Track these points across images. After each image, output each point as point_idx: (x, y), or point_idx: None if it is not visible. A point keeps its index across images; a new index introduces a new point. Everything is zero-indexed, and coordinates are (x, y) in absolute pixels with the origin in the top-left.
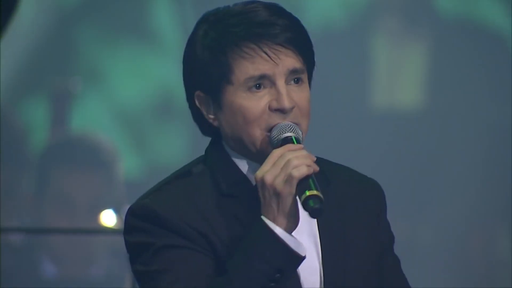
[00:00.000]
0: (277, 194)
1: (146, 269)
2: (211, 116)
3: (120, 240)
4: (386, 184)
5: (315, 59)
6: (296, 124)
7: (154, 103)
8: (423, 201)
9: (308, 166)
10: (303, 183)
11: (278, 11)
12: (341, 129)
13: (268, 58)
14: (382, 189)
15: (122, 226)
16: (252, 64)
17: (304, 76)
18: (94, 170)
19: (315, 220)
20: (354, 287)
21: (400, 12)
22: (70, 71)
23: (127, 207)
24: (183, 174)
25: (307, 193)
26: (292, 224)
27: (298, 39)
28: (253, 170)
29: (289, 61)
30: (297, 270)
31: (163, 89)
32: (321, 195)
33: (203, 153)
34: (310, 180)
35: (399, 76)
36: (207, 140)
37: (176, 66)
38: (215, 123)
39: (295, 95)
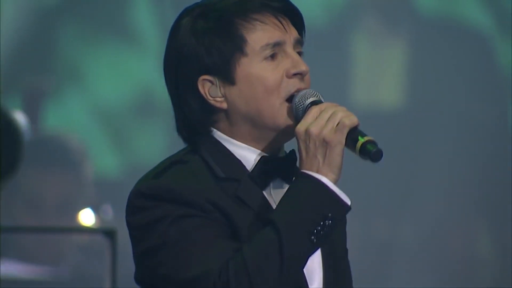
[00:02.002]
0: (326, 144)
1: (163, 241)
2: (219, 99)
3: (91, 239)
4: (367, 183)
5: None
6: None
7: (133, 102)
8: (403, 201)
9: (355, 116)
10: (352, 133)
11: None
12: None
13: (280, 25)
14: None
15: (99, 225)
16: (264, 32)
17: (302, 51)
18: (63, 170)
19: None
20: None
21: (380, 11)
22: (50, 70)
23: (107, 206)
24: (178, 161)
25: (362, 139)
26: (336, 175)
27: (296, 13)
28: (247, 154)
29: (293, 30)
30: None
31: (143, 87)
32: (376, 141)
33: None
34: (359, 130)
35: (380, 75)
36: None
37: (155, 65)
38: (223, 105)
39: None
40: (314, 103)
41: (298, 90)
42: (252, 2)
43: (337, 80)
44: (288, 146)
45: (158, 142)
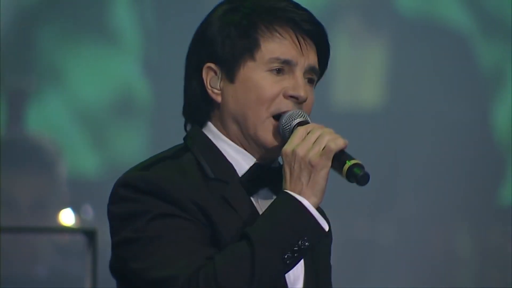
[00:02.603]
0: (311, 167)
1: (138, 236)
2: (216, 91)
3: (71, 239)
4: (347, 183)
5: None
6: None
7: (113, 102)
8: (383, 200)
9: (343, 140)
10: (338, 156)
11: (306, 9)
12: None
13: (298, 45)
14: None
15: (80, 225)
16: (280, 46)
17: (315, 80)
18: (36, 171)
19: None
20: None
21: (361, 12)
22: (30, 70)
23: (87, 206)
24: (169, 156)
25: (349, 162)
26: (318, 199)
27: (322, 36)
28: (240, 159)
29: (312, 57)
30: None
31: (122, 88)
32: (363, 164)
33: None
34: (346, 153)
35: (361, 75)
36: (167, 138)
37: (135, 65)
38: (218, 98)
39: (307, 90)
40: (301, 124)
41: (286, 111)
42: (284, 13)
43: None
44: None
45: (138, 142)
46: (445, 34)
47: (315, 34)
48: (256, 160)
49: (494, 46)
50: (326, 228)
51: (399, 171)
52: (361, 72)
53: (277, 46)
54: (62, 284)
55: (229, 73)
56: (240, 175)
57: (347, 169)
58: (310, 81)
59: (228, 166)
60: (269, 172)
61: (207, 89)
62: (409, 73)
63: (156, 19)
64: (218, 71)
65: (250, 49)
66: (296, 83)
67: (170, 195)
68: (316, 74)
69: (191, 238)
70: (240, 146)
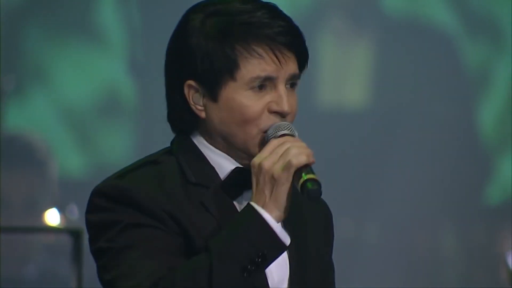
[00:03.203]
0: (274, 180)
1: (110, 245)
2: (199, 107)
3: (56, 239)
4: (332, 182)
5: None
6: None
7: (98, 102)
8: (369, 199)
9: (307, 155)
10: (300, 172)
11: (279, 14)
12: None
13: (276, 61)
14: (330, 211)
15: (65, 225)
16: (259, 64)
17: (297, 82)
18: (28, 170)
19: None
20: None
21: (346, 11)
22: (15, 69)
23: (72, 206)
24: (150, 162)
25: (305, 176)
26: (281, 213)
27: (300, 44)
28: (222, 163)
29: (292, 66)
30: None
31: (108, 87)
32: (319, 180)
33: (149, 151)
34: (308, 168)
35: (346, 75)
36: (152, 139)
37: (121, 64)
38: (202, 114)
39: (290, 100)
40: (285, 136)
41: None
42: (260, 29)
43: (302, 80)
44: None
45: (123, 142)
46: (430, 34)
47: (293, 45)
48: (240, 164)
49: (479, 46)
50: (287, 242)
51: (384, 170)
52: (346, 72)
53: (256, 64)
54: (49, 284)
55: (211, 93)
56: (223, 179)
57: (301, 183)
58: (293, 85)
59: (211, 170)
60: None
61: (190, 105)
62: (394, 73)
63: (142, 19)
64: (199, 89)
65: (229, 70)
66: (279, 97)
67: (142, 204)
68: (298, 78)
69: (159, 248)
70: (225, 153)
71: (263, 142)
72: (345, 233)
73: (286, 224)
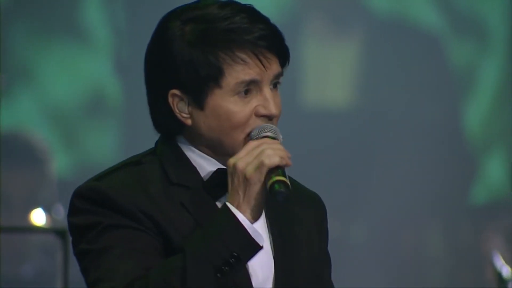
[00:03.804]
0: (246, 181)
1: (91, 247)
2: (185, 115)
3: (42, 239)
4: (317, 182)
5: None
6: None
7: (84, 101)
8: (354, 200)
9: (281, 157)
10: (270, 172)
11: (258, 16)
12: None
13: (260, 65)
14: (324, 206)
15: (53, 225)
16: (243, 69)
17: (280, 79)
18: (30, 168)
19: (264, 221)
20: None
21: (331, 11)
22: (0, 69)
23: (58, 206)
24: (133, 162)
25: (274, 178)
26: (254, 213)
27: (280, 44)
28: (205, 164)
29: (275, 67)
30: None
31: (94, 87)
32: (288, 182)
33: (135, 151)
34: (280, 170)
35: (330, 75)
36: (137, 139)
37: (107, 64)
38: (188, 121)
39: (276, 101)
40: (268, 138)
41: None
42: (240, 36)
43: (286, 80)
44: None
45: (109, 142)
46: (416, 34)
47: (274, 46)
48: (223, 165)
49: (465, 46)
50: (261, 243)
51: (370, 170)
52: (331, 72)
53: (240, 69)
54: (35, 284)
55: (197, 100)
56: (205, 180)
57: (270, 184)
58: (276, 85)
59: (193, 171)
60: None
61: (175, 113)
62: (379, 73)
63: (127, 18)
64: (184, 98)
65: (214, 78)
66: (266, 100)
67: (120, 205)
68: (281, 76)
69: (138, 249)
70: (208, 155)
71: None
72: (331, 234)
73: (272, 224)
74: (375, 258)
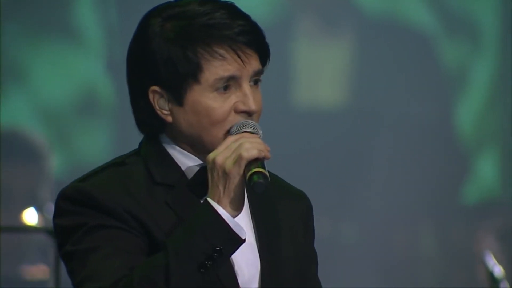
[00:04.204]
0: (225, 175)
1: (76, 249)
2: (165, 112)
3: (34, 238)
4: (309, 182)
5: None
6: None
7: (76, 101)
8: (346, 200)
9: (260, 150)
10: (249, 165)
11: (238, 12)
12: (262, 126)
13: (239, 60)
14: (310, 203)
15: (43, 224)
16: (222, 65)
17: (260, 78)
18: (24, 167)
19: (249, 218)
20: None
21: (322, 10)
22: None
23: (50, 205)
24: (117, 163)
25: (253, 169)
26: (236, 207)
27: (260, 41)
28: (189, 162)
29: (254, 63)
30: (232, 261)
31: (85, 86)
32: (267, 173)
33: (126, 150)
34: (259, 162)
35: (321, 75)
36: (130, 138)
37: (98, 64)
38: (168, 118)
39: (255, 97)
40: (247, 133)
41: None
42: (220, 31)
43: (277, 80)
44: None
45: (100, 141)
46: (407, 34)
47: (253, 43)
48: (205, 163)
49: (457, 45)
50: (243, 236)
51: (361, 170)
52: (322, 72)
53: (219, 65)
54: (26, 284)
55: (176, 97)
56: (189, 178)
57: (248, 176)
58: (257, 82)
59: (176, 170)
60: None
61: (156, 110)
62: (371, 72)
63: (119, 18)
64: (164, 94)
65: (193, 74)
66: (245, 96)
67: (104, 206)
68: (261, 74)
69: (122, 248)
70: (191, 153)
71: None
72: (322, 233)
73: (258, 221)
74: (367, 258)
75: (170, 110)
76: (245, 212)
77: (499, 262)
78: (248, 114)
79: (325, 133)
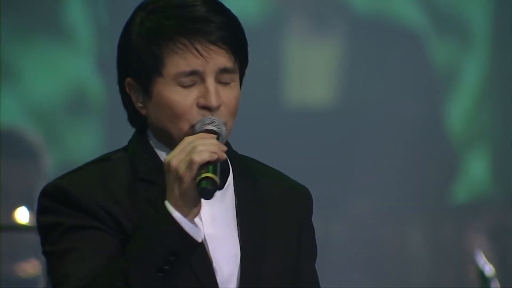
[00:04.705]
0: (179, 178)
1: (53, 249)
2: (140, 104)
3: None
4: (299, 181)
5: None
6: (224, 123)
7: (66, 100)
8: (335, 198)
9: (213, 153)
10: (200, 169)
11: (217, 7)
12: (253, 125)
13: (199, 55)
14: (311, 197)
15: (34, 223)
16: (183, 59)
17: (235, 76)
18: (15, 165)
19: (234, 213)
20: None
21: (312, 9)
22: None
23: None
24: (102, 159)
25: (203, 174)
26: (191, 209)
27: (232, 39)
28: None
29: (220, 59)
30: (210, 258)
31: (76, 85)
32: (217, 180)
33: (117, 148)
34: (211, 166)
35: (312, 74)
36: (121, 137)
37: (88, 63)
38: (143, 112)
39: (223, 93)
40: (209, 131)
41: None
42: (183, 24)
43: (268, 79)
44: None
45: (92, 139)
46: (397, 33)
47: (220, 39)
48: None
49: (447, 44)
50: (199, 238)
51: (350, 169)
52: (313, 71)
53: (180, 59)
54: (18, 283)
55: (145, 89)
56: None
57: (197, 181)
58: (226, 82)
59: (159, 165)
60: None
61: (134, 103)
62: (361, 71)
63: (109, 16)
64: (137, 87)
65: (156, 67)
66: (206, 91)
67: (80, 203)
68: (232, 71)
69: (98, 250)
70: (169, 148)
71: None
72: None
73: (243, 215)
74: (356, 257)
75: (143, 103)
76: (230, 205)
77: (490, 261)
78: (209, 109)
79: (315, 132)
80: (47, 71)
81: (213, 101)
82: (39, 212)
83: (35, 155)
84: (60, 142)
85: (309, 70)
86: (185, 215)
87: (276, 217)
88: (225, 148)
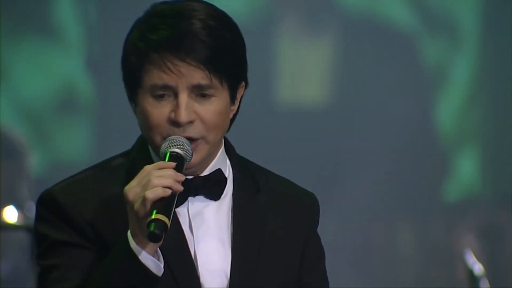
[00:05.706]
0: (135, 213)
1: (40, 263)
2: (134, 108)
3: (14, 237)
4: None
5: None
6: (201, 137)
7: (56, 99)
8: (325, 197)
9: (166, 187)
10: (157, 204)
11: (211, 23)
12: (245, 125)
13: (169, 71)
14: (318, 204)
15: (23, 222)
16: (157, 72)
17: (215, 91)
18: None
19: (229, 225)
20: None
21: (304, 9)
22: None
23: (31, 203)
24: (101, 165)
25: (153, 215)
26: (151, 243)
27: (211, 58)
28: None
29: (194, 76)
30: (198, 273)
31: (65, 84)
32: (166, 221)
33: (106, 149)
34: (162, 203)
35: (304, 73)
36: (109, 136)
37: (78, 62)
38: (136, 116)
39: (200, 108)
40: (173, 154)
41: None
42: (160, 38)
43: (260, 79)
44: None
45: (81, 139)
46: (388, 32)
47: (194, 53)
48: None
49: (438, 44)
50: (160, 273)
51: (341, 168)
52: (304, 71)
53: (154, 72)
54: (7, 283)
55: (132, 98)
56: None
57: (147, 222)
58: (205, 95)
59: None
60: (198, 181)
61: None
62: (352, 71)
63: (99, 15)
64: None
65: (135, 77)
66: (176, 107)
67: (67, 216)
68: (208, 88)
69: (79, 269)
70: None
71: (160, 156)
72: None
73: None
74: (346, 256)
75: (135, 111)
76: (226, 218)
77: (479, 260)
78: (177, 125)
79: (307, 132)
80: (37, 70)
81: (182, 117)
82: (35, 218)
83: (20, 154)
84: (48, 141)
85: (302, 70)
86: (143, 247)
87: (278, 230)
88: (182, 178)
